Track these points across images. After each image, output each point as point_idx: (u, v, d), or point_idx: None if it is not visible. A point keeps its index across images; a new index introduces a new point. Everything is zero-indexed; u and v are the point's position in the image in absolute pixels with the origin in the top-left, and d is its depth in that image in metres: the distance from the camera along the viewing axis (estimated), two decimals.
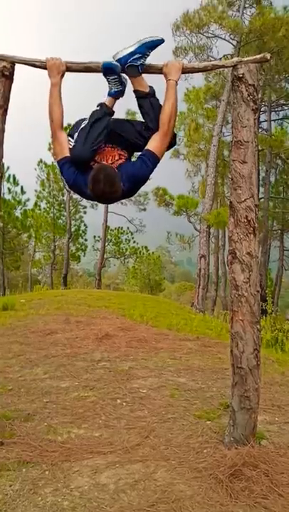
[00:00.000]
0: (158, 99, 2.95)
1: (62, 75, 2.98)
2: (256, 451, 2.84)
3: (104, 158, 2.87)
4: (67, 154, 2.88)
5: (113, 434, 3.27)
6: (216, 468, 2.73)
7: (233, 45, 18.66)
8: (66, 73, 3.01)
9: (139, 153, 2.93)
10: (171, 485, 2.60)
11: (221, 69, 5.14)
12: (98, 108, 2.96)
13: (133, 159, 2.98)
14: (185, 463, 2.85)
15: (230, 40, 18.71)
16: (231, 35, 18.51)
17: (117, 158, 2.89)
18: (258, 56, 3.08)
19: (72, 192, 23.02)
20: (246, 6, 19.38)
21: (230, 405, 3.11)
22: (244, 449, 2.87)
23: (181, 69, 2.97)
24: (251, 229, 3.00)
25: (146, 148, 2.86)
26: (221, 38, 18.64)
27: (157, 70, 2.98)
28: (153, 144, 2.85)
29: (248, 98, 3.02)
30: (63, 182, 22.79)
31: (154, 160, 2.83)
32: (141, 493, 2.52)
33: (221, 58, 18.28)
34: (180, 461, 2.88)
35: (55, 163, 23.00)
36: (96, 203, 15.50)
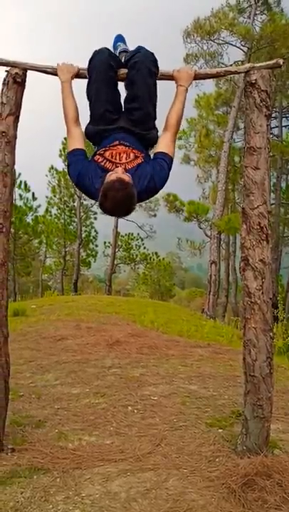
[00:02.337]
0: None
1: (73, 76, 2.94)
2: (269, 461, 2.80)
3: (118, 156, 2.66)
4: (78, 146, 2.77)
5: (124, 441, 3.25)
6: (228, 478, 2.69)
7: (244, 52, 18.64)
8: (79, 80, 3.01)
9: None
10: (183, 494, 2.57)
11: (232, 75, 5.15)
12: None
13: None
14: (197, 472, 2.82)
15: (241, 47, 18.71)
16: (242, 42, 18.50)
17: (132, 157, 2.67)
18: (270, 62, 3.08)
19: (82, 198, 23.15)
20: (257, 12, 19.37)
21: (243, 414, 3.08)
22: (257, 458, 2.83)
23: (193, 76, 2.97)
24: (264, 236, 2.98)
25: (161, 150, 2.75)
26: (231, 44, 18.65)
27: (169, 76, 2.99)
28: (166, 146, 2.77)
29: (261, 104, 3.00)
30: (74, 188, 22.91)
31: (170, 162, 2.73)
32: (152, 502, 2.49)
33: (231, 65, 18.27)
34: (192, 469, 2.85)
35: (66, 169, 23.19)
36: None
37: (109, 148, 2.70)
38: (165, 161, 2.71)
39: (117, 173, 2.46)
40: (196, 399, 4.13)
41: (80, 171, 2.69)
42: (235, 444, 3.14)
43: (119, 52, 3.04)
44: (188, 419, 3.67)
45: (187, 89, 2.93)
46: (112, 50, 3.05)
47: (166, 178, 2.72)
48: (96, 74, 2.76)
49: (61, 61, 3.01)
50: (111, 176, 2.45)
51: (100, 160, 2.69)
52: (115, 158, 2.66)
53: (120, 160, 2.65)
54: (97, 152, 2.75)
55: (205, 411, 3.85)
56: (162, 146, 2.79)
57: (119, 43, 3.13)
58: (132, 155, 2.68)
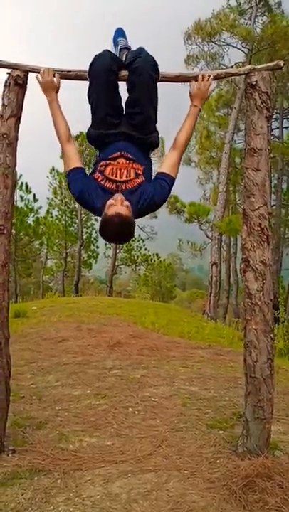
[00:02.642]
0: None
1: (58, 91, 2.94)
2: (270, 462, 2.80)
3: (118, 173, 2.66)
4: (76, 165, 2.78)
5: (125, 443, 3.25)
6: (229, 479, 2.69)
7: (245, 53, 18.66)
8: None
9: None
10: (183, 495, 2.57)
11: (233, 77, 5.14)
12: None
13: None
14: (198, 473, 2.82)
15: (242, 48, 18.74)
16: (243, 43, 18.52)
17: (133, 175, 2.66)
18: (271, 64, 3.08)
19: None
20: (258, 14, 19.40)
21: (244, 415, 3.08)
22: (258, 459, 2.82)
23: (206, 98, 2.99)
24: (265, 237, 2.98)
25: (163, 171, 2.74)
26: (232, 46, 18.67)
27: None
28: (170, 166, 2.77)
29: (262, 106, 3.01)
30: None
31: (172, 183, 2.73)
32: (153, 504, 2.49)
33: (232, 66, 18.30)
34: (193, 471, 2.85)
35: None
36: None
37: (110, 163, 2.70)
38: (166, 182, 2.71)
39: (116, 206, 2.47)
40: (196, 400, 4.13)
41: (81, 189, 2.69)
42: (235, 445, 3.13)
43: (120, 49, 3.02)
44: (189, 420, 3.67)
45: (200, 109, 2.95)
46: (112, 44, 3.09)
47: (167, 197, 2.76)
48: (97, 79, 2.76)
49: (48, 65, 3.00)
50: (110, 209, 2.47)
51: (100, 179, 2.68)
52: (115, 176, 2.66)
53: (121, 177, 2.66)
54: (98, 166, 2.73)
55: (206, 412, 3.85)
56: (166, 166, 2.78)
57: (119, 38, 3.11)
58: (132, 173, 2.67)
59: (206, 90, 2.92)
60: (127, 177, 2.65)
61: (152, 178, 2.78)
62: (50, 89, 2.93)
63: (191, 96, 2.92)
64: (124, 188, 2.63)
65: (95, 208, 2.66)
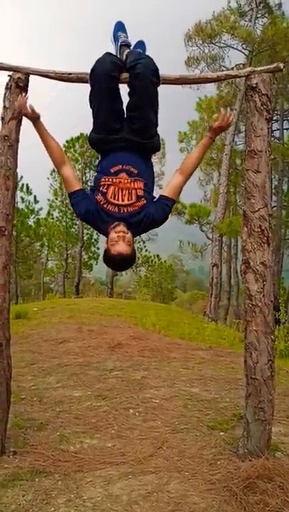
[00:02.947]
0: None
1: (39, 117, 2.88)
2: (271, 464, 2.81)
3: (120, 195, 2.70)
4: (76, 188, 2.81)
5: (126, 444, 3.25)
6: (229, 481, 2.69)
7: (245, 55, 18.69)
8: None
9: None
10: (184, 497, 2.58)
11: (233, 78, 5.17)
12: None
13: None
14: (198, 474, 2.82)
15: (243, 50, 18.77)
16: (243, 45, 18.55)
17: (134, 199, 2.69)
18: (271, 66, 3.09)
19: None
20: (258, 15, 19.41)
21: (244, 416, 3.08)
22: (258, 461, 2.83)
23: (222, 131, 3.05)
24: (265, 238, 2.99)
25: (166, 195, 2.79)
26: (233, 47, 18.70)
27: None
28: (173, 190, 2.82)
29: (262, 108, 3.02)
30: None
31: (172, 205, 2.80)
32: (154, 505, 2.50)
33: (233, 68, 18.33)
34: (193, 472, 2.85)
35: None
36: None
37: (112, 182, 2.71)
38: (168, 206, 2.78)
39: (118, 245, 2.59)
40: (197, 402, 4.13)
41: (85, 211, 2.76)
42: (236, 446, 3.14)
43: (121, 46, 3.03)
44: (190, 421, 3.67)
45: (214, 140, 2.97)
46: (112, 38, 3.10)
47: (167, 218, 2.83)
48: (98, 84, 2.77)
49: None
50: (113, 248, 2.60)
51: (102, 202, 2.71)
52: (118, 199, 2.69)
53: (122, 201, 2.69)
54: (100, 184, 2.74)
55: (206, 414, 3.85)
56: (170, 190, 2.83)
57: (119, 33, 3.11)
58: (134, 195, 2.69)
59: (225, 126, 2.91)
60: (128, 200, 2.69)
61: (154, 193, 2.86)
62: (31, 117, 2.89)
63: (210, 129, 2.90)
64: (126, 211, 2.69)
65: (100, 230, 2.79)
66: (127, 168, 2.73)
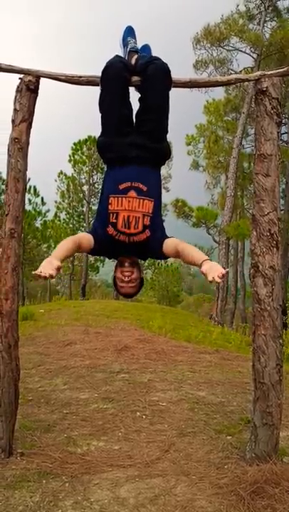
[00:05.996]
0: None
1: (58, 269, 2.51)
2: (278, 468, 2.79)
3: (128, 223, 2.64)
4: (86, 235, 2.77)
5: (133, 447, 3.25)
6: (237, 485, 2.68)
7: (254, 58, 18.69)
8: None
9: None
10: (191, 501, 2.57)
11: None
12: None
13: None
14: (206, 478, 2.82)
15: (251, 53, 18.76)
16: (252, 48, 18.54)
17: (141, 228, 2.66)
18: (281, 69, 3.10)
19: (91, 203, 23.28)
20: (267, 19, 19.40)
21: (252, 421, 3.07)
22: (266, 465, 2.82)
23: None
24: (274, 242, 2.98)
25: (167, 239, 2.72)
26: (241, 51, 18.70)
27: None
28: (174, 243, 2.69)
29: (272, 111, 3.02)
30: (83, 193, 23.12)
31: (162, 251, 2.72)
32: (161, 509, 2.49)
33: (241, 71, 18.34)
34: (200, 476, 2.84)
35: (75, 175, 23.06)
36: None
37: (121, 204, 2.65)
38: (161, 245, 2.70)
39: (125, 288, 2.75)
40: (204, 405, 4.12)
41: (99, 249, 2.79)
42: (244, 451, 3.13)
43: (129, 51, 3.02)
44: (197, 425, 3.67)
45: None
46: (121, 42, 3.11)
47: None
48: (109, 86, 2.77)
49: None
50: (121, 289, 2.78)
51: (114, 234, 2.67)
52: (127, 228, 2.65)
53: (130, 229, 2.65)
54: (108, 212, 2.67)
55: (213, 417, 3.84)
56: (172, 244, 2.70)
57: (129, 38, 3.11)
58: (140, 224, 2.65)
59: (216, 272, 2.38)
60: (135, 228, 2.65)
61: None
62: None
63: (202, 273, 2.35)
64: (133, 240, 2.69)
65: (110, 257, 3.00)
66: (136, 185, 2.67)
